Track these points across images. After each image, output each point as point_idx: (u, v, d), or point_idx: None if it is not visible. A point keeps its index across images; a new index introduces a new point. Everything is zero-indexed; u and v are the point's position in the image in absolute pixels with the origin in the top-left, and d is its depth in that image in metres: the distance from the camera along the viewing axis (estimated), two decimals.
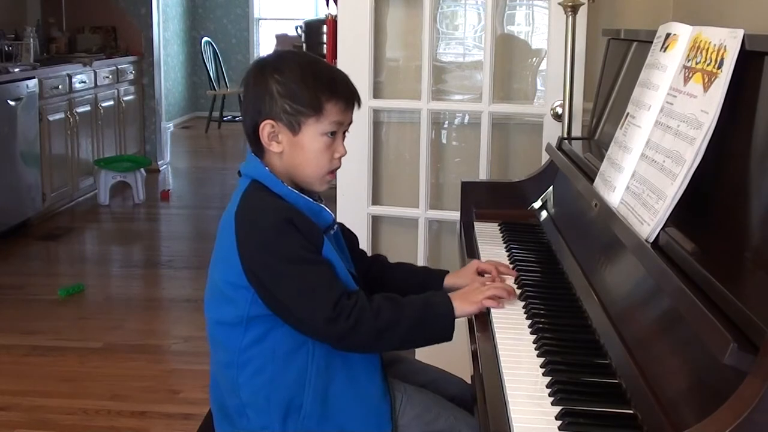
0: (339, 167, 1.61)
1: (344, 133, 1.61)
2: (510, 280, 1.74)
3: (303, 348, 1.54)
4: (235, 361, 1.56)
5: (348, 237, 1.76)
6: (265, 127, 1.56)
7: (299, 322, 1.51)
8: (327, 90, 1.55)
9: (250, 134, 1.59)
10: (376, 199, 2.92)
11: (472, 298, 1.58)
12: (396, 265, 1.85)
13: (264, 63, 1.60)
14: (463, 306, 1.56)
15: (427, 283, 1.76)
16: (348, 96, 1.58)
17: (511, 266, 1.83)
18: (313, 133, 1.56)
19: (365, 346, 1.54)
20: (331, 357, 1.56)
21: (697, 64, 1.41)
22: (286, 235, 1.49)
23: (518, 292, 1.66)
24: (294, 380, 1.55)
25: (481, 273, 1.77)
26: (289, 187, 1.57)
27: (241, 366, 1.56)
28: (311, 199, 1.59)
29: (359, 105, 1.62)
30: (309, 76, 1.55)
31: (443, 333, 1.55)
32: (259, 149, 1.60)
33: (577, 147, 2.19)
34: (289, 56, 1.62)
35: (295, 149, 1.56)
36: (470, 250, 2.04)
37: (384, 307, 1.51)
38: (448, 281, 1.77)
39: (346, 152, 1.60)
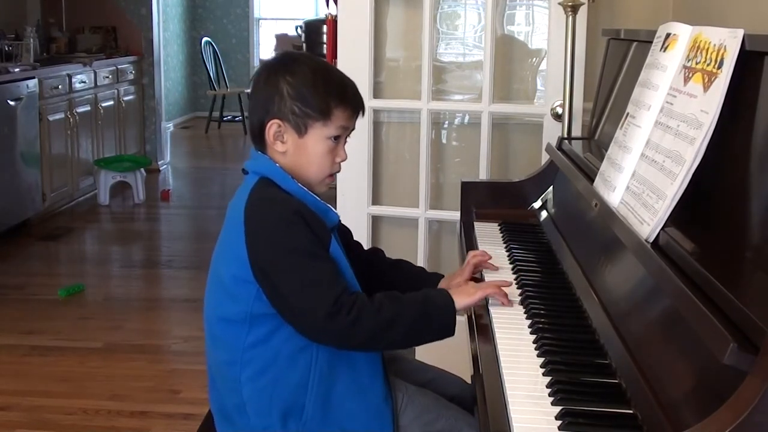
0: (339, 171, 1.65)
1: (346, 138, 1.64)
2: (503, 276, 1.76)
3: (306, 351, 1.54)
4: (237, 360, 1.56)
5: (342, 232, 1.77)
6: (272, 126, 1.58)
7: (299, 316, 1.50)
8: (336, 96, 1.58)
9: (255, 131, 1.62)
10: (376, 199, 2.92)
11: (470, 290, 1.59)
12: (394, 264, 1.85)
13: (277, 64, 1.63)
14: (460, 298, 1.56)
15: (423, 285, 1.76)
16: (355, 103, 1.62)
17: (510, 266, 1.83)
18: (318, 136, 1.58)
19: (366, 344, 1.53)
20: (334, 360, 1.55)
21: (697, 64, 1.41)
22: (295, 227, 1.50)
23: (518, 292, 1.66)
24: (296, 383, 1.54)
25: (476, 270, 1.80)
26: (299, 184, 1.58)
27: (244, 365, 1.56)
28: (318, 198, 1.60)
29: (363, 113, 1.66)
30: (320, 81, 1.58)
31: (445, 327, 1.54)
32: (262, 147, 1.62)
33: (577, 147, 2.19)
34: (302, 59, 1.64)
35: (299, 150, 1.59)
36: (470, 250, 2.03)
37: (385, 303, 1.51)
38: (443, 284, 1.78)
39: (347, 157, 1.63)
